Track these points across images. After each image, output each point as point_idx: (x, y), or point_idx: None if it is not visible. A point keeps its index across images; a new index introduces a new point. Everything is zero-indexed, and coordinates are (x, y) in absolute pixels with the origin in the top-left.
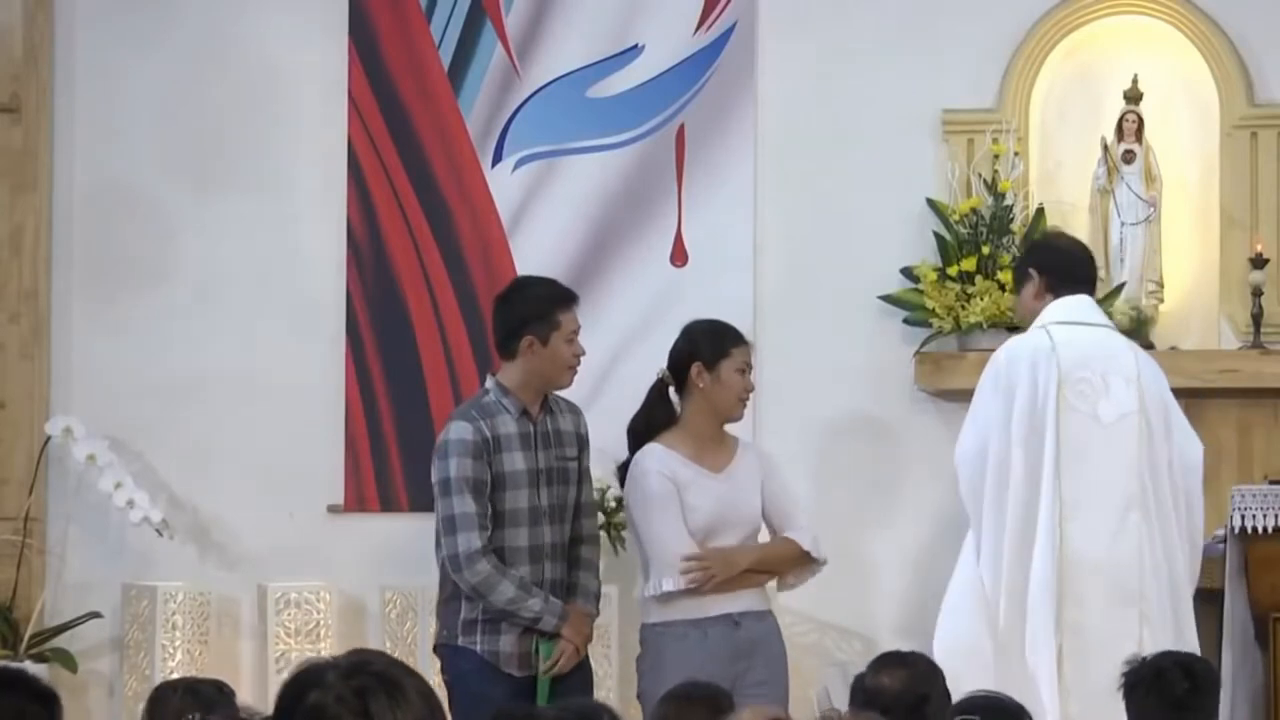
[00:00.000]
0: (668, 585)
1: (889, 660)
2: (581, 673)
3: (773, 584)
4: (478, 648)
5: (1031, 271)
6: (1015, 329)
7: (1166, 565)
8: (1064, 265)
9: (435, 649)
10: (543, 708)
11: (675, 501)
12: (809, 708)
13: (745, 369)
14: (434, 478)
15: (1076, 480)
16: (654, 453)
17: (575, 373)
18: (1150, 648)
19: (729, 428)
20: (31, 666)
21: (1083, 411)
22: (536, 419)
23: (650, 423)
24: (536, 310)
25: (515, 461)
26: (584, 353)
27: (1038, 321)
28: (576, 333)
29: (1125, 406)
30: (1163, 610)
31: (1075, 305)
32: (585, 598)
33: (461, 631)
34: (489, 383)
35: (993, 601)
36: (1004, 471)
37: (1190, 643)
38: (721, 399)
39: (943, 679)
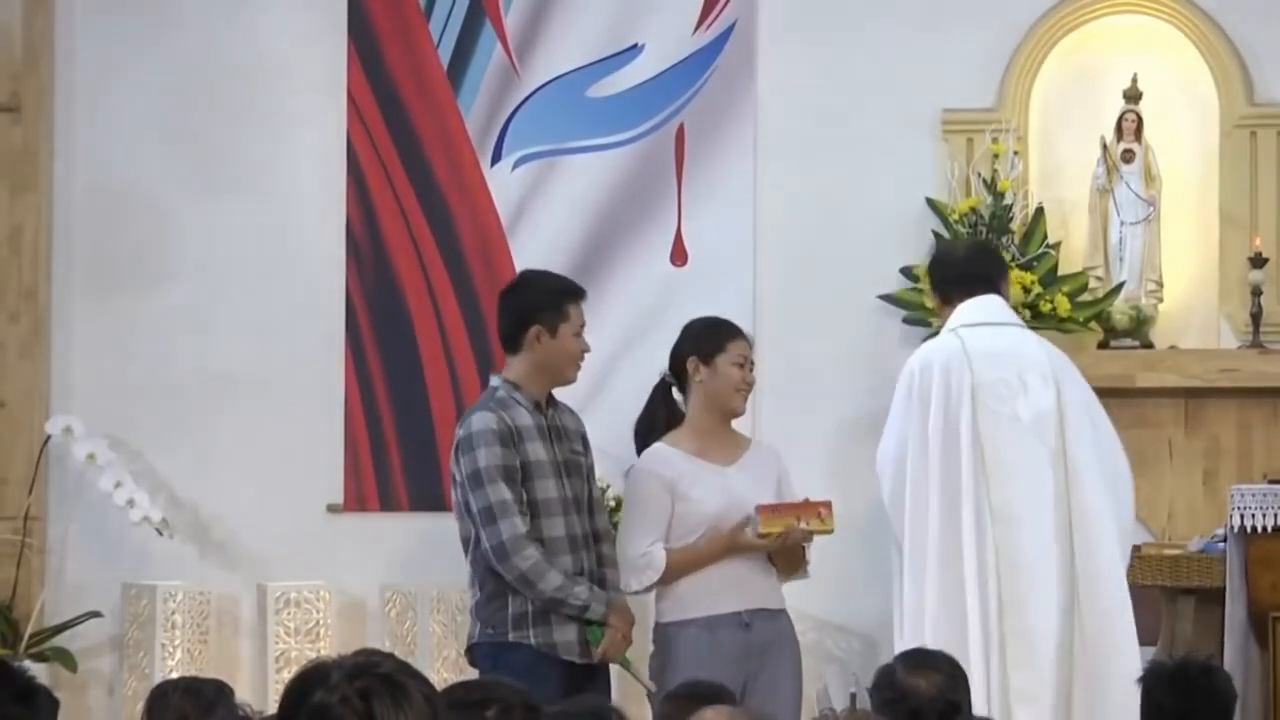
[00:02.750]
0: (631, 585)
1: (920, 660)
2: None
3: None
4: (531, 640)
5: (930, 291)
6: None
7: (1095, 561)
8: (949, 272)
9: (472, 649)
10: (549, 705)
11: (656, 506)
12: (808, 706)
13: (743, 363)
14: (463, 471)
15: (1004, 485)
16: (654, 454)
17: (579, 369)
18: (1086, 650)
19: (740, 427)
20: (31, 666)
21: (1002, 413)
22: (547, 413)
23: (653, 423)
24: (546, 301)
25: (538, 451)
26: (589, 349)
27: (946, 325)
28: (583, 327)
29: (1043, 404)
30: (1095, 610)
31: (983, 306)
32: (616, 591)
33: (512, 626)
34: (495, 381)
35: (915, 613)
36: (923, 483)
37: (1126, 646)
38: (719, 392)
39: (969, 687)
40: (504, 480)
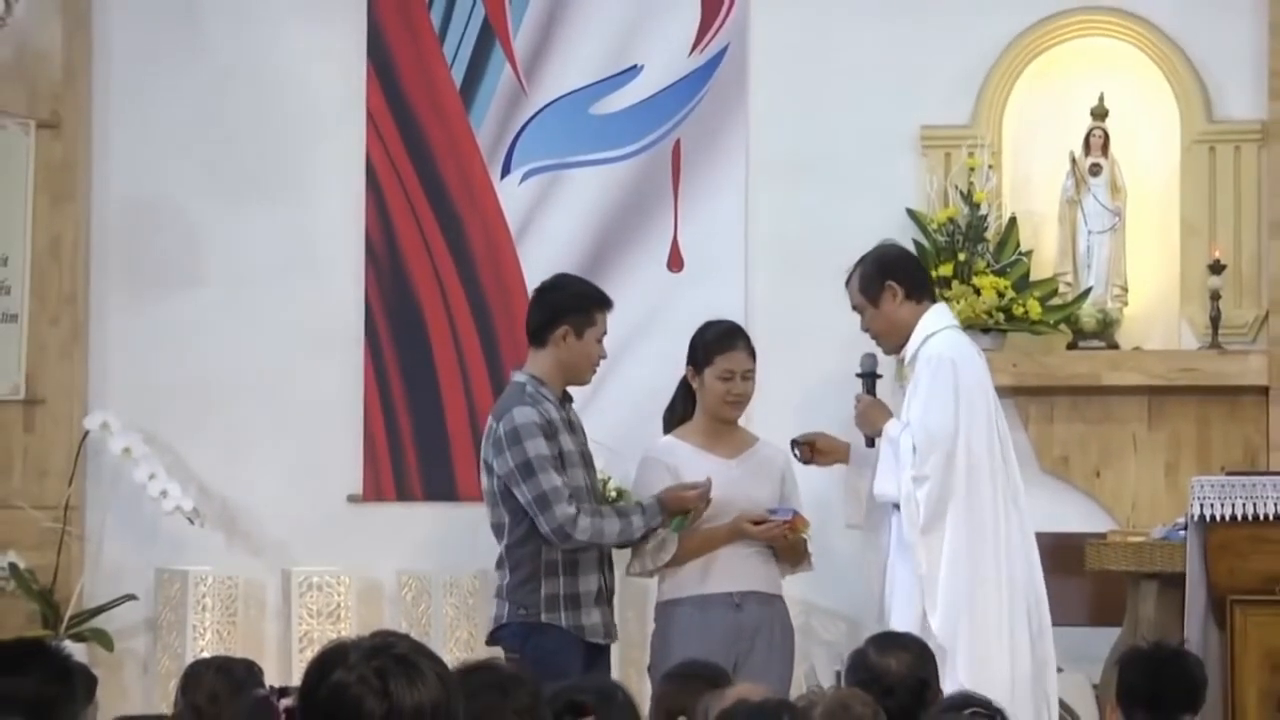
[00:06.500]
0: (647, 565)
1: (890, 641)
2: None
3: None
4: (562, 622)
5: (890, 284)
6: (989, 330)
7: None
8: (915, 271)
9: (501, 629)
10: (556, 684)
11: (656, 489)
12: (797, 687)
13: (730, 375)
14: (512, 462)
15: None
16: (661, 444)
17: (595, 373)
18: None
19: (750, 426)
20: (71, 645)
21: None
22: (566, 407)
23: (672, 414)
24: (578, 303)
25: (568, 443)
26: (606, 356)
27: (938, 323)
28: (604, 336)
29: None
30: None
31: (948, 310)
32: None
33: (545, 608)
34: (521, 376)
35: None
36: (973, 465)
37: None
38: (708, 402)
39: (936, 664)
40: (553, 468)
